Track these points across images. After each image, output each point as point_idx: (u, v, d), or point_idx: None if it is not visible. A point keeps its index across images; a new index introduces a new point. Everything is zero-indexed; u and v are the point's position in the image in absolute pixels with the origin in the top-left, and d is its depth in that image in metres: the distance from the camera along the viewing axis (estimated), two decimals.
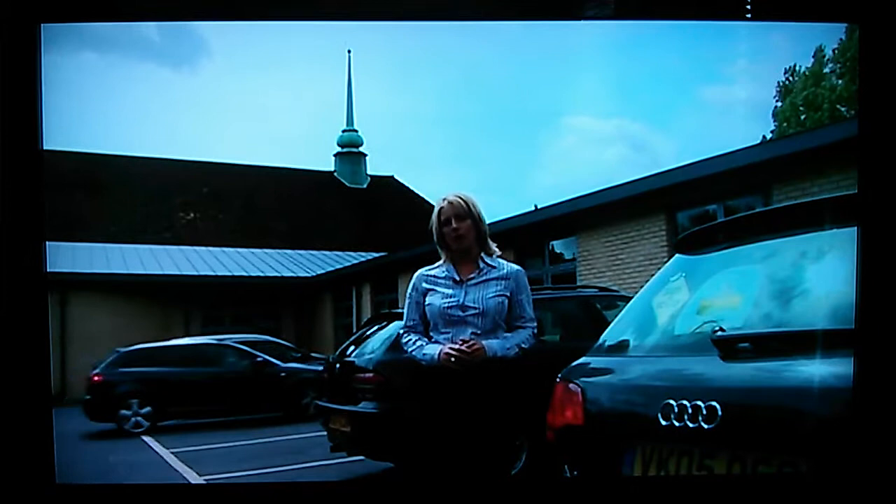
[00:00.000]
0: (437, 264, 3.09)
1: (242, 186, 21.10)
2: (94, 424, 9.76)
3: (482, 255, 3.05)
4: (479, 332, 2.93)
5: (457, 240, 2.99)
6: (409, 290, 3.11)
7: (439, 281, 3.03)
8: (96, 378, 10.05)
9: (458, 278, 3.00)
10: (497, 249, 3.09)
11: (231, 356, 10.89)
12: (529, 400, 3.10)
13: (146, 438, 9.06)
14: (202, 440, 8.59)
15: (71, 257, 15.52)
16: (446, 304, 2.97)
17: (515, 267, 3.09)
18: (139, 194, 19.68)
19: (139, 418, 9.85)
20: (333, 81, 23.19)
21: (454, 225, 2.98)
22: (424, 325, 3.06)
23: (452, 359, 2.87)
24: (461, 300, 2.96)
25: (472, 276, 3.01)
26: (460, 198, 3.00)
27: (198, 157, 20.97)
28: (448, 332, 2.96)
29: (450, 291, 2.99)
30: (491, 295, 2.97)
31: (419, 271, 3.10)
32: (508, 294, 3.00)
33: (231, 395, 10.24)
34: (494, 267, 3.03)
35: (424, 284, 3.05)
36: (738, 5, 2.55)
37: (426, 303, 3.02)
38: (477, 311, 2.94)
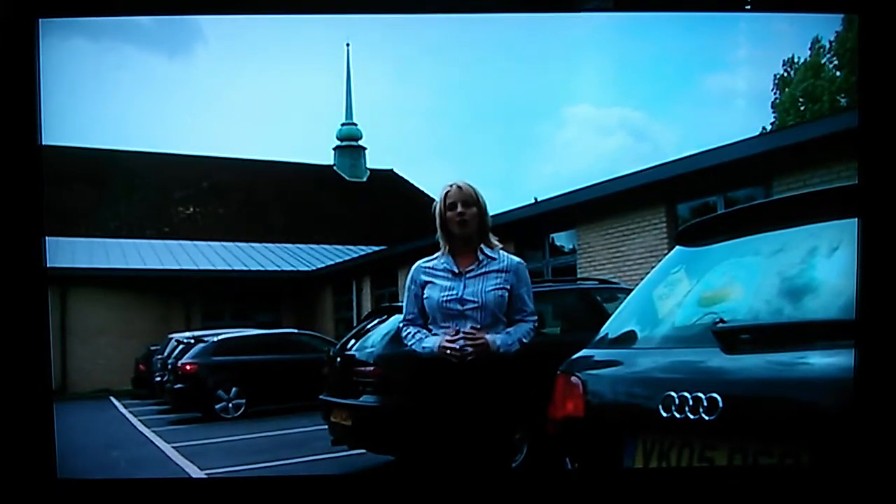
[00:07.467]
0: (434, 256, 3.02)
1: (242, 181, 21.12)
2: (97, 418, 9.76)
3: (482, 246, 2.97)
4: (478, 326, 2.87)
5: (461, 225, 2.91)
6: (407, 283, 3.05)
7: (437, 273, 2.96)
8: (189, 367, 10.34)
9: (456, 270, 2.93)
10: (498, 243, 3.01)
11: (312, 344, 11.38)
12: (529, 393, 3.08)
13: (148, 433, 9.07)
14: (204, 434, 8.62)
15: (71, 252, 15.54)
16: (445, 298, 2.90)
17: (516, 259, 3.01)
18: (139, 189, 19.72)
19: (232, 403, 10.35)
20: (332, 75, 23.20)
21: (460, 209, 2.91)
22: (424, 319, 3.00)
23: (449, 350, 2.83)
24: (460, 293, 2.90)
25: (471, 267, 2.93)
26: (468, 184, 2.96)
27: (197, 152, 21.03)
28: (447, 327, 2.90)
29: (448, 284, 2.92)
30: (490, 288, 2.90)
31: (417, 263, 3.03)
32: (508, 287, 2.93)
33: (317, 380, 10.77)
34: (494, 259, 2.96)
35: (423, 277, 2.98)
36: None
37: (424, 296, 2.95)
38: (476, 304, 2.88)
